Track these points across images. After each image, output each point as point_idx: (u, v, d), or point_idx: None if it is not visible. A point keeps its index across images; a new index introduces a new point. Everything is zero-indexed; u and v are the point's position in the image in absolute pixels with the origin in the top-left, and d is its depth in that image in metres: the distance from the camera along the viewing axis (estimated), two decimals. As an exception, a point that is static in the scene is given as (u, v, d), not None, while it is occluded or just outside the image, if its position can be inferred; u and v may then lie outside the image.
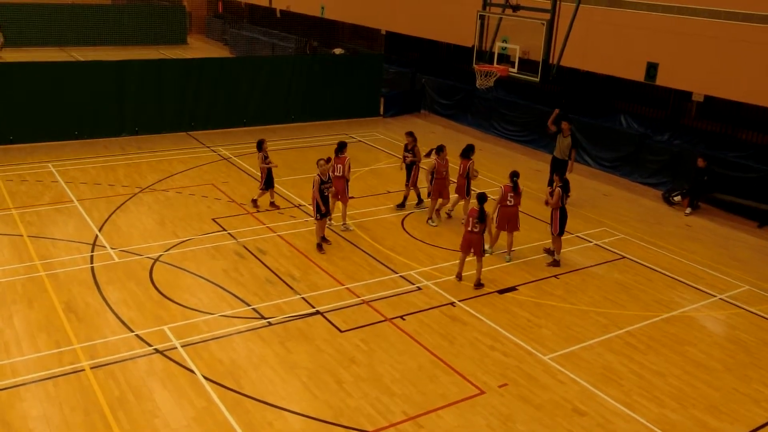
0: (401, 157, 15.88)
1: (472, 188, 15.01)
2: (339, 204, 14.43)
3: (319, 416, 8.75)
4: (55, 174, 17.01)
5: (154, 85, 20.50)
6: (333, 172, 13.86)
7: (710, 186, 16.92)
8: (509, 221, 13.34)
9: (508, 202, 13.24)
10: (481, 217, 11.92)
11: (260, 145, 14.96)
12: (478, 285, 12.22)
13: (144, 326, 10.54)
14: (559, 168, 15.07)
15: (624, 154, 19.32)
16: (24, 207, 14.77)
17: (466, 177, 14.78)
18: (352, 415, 8.79)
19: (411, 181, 15.63)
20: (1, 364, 9.45)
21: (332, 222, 14.47)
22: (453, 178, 15.37)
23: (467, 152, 14.92)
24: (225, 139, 20.86)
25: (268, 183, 15.21)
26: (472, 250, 12.21)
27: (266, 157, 14.97)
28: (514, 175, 13.31)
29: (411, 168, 15.56)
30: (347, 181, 14.18)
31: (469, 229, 12.05)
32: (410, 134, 15.76)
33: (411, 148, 15.55)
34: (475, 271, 12.31)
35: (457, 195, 15.16)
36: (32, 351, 9.78)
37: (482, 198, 12.09)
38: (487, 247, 13.00)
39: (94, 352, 9.82)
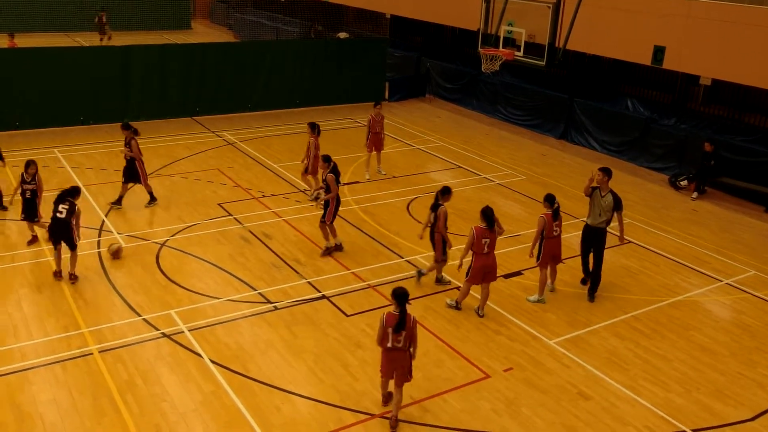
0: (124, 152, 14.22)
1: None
2: (375, 155, 16.91)
3: (325, 400, 8.80)
4: (61, 159, 17.04)
5: (158, 70, 20.45)
6: (372, 128, 16.39)
7: (717, 170, 16.85)
8: (554, 256, 11.38)
9: (554, 232, 11.18)
10: (401, 325, 8.04)
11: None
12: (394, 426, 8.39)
13: (151, 310, 10.60)
14: (596, 240, 11.39)
15: (630, 138, 19.25)
16: (30, 192, 14.80)
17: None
18: (358, 399, 8.83)
19: (144, 180, 14.26)
20: (11, 348, 9.52)
21: (382, 170, 17.08)
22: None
23: (314, 128, 14.65)
24: (230, 124, 20.84)
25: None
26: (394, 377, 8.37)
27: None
28: (553, 200, 11.17)
29: (134, 165, 14.03)
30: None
31: (389, 345, 8.11)
32: (126, 126, 14.07)
33: (128, 141, 13.89)
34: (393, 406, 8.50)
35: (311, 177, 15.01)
36: (41, 335, 9.85)
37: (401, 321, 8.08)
38: (535, 297, 11.44)
39: (102, 337, 9.89)
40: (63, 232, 11.04)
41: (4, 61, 18.71)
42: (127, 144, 13.92)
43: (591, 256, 11.58)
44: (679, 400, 9.18)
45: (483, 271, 10.63)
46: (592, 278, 11.61)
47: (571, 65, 22.10)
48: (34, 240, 12.56)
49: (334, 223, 12.62)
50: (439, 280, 11.83)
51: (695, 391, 9.39)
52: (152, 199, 14.49)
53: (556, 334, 10.53)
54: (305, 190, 15.41)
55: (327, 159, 12.53)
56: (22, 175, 12.38)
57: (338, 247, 12.80)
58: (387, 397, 8.70)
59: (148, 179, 14.42)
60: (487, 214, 10.43)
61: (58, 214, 11.00)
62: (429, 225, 11.45)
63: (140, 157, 14.05)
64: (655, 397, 9.20)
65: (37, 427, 8.10)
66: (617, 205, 11.22)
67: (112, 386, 8.84)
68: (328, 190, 12.37)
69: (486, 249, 10.49)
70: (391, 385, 8.45)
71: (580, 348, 10.21)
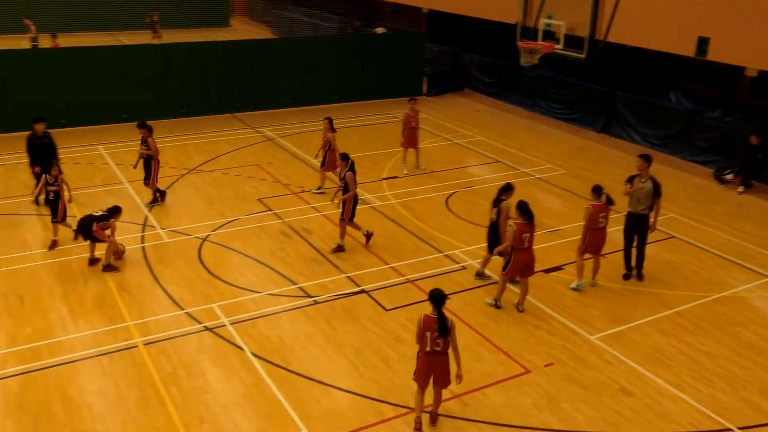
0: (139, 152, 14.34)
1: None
2: (412, 151, 16.83)
3: (365, 393, 8.86)
4: (105, 156, 17.42)
5: (198, 67, 20.75)
6: (408, 123, 16.30)
7: (764, 164, 16.44)
8: (598, 247, 11.41)
9: (599, 223, 11.22)
10: (443, 329, 7.85)
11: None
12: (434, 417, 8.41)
13: (194, 304, 10.79)
14: (638, 225, 11.57)
15: (673, 131, 18.87)
16: (77, 189, 15.12)
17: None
18: (398, 393, 8.87)
19: (152, 178, 14.26)
20: (60, 340, 9.79)
21: (421, 165, 17.10)
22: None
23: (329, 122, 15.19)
24: (269, 120, 21.03)
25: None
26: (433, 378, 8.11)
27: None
28: (600, 190, 11.23)
29: (149, 163, 14.16)
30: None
31: (428, 349, 7.90)
32: (143, 125, 14.22)
33: (145, 139, 14.09)
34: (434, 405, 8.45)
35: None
36: (88, 328, 10.11)
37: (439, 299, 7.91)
38: (575, 283, 11.51)
39: (147, 329, 10.10)
40: (87, 229, 11.66)
41: (49, 61, 19.20)
42: (144, 142, 14.09)
43: (633, 249, 11.61)
44: (725, 397, 9.00)
45: (522, 266, 10.56)
46: (636, 259, 11.83)
47: (612, 57, 21.72)
48: (67, 240, 12.68)
49: (355, 219, 12.67)
50: (480, 275, 11.78)
51: (741, 388, 9.19)
52: (154, 200, 14.44)
53: (597, 330, 10.41)
54: (319, 188, 15.43)
55: (345, 157, 12.49)
56: (45, 177, 12.64)
57: (368, 235, 12.84)
58: (419, 424, 8.09)
59: (157, 181, 14.38)
60: (526, 208, 10.35)
61: (93, 213, 11.82)
62: (492, 221, 11.40)
63: (157, 155, 14.20)
64: (699, 394, 9.04)
65: (86, 417, 8.32)
66: (656, 192, 11.33)
67: (156, 378, 9.03)
68: (346, 189, 12.37)
69: (526, 244, 10.42)
70: (428, 396, 8.26)
71: (621, 344, 10.08)
